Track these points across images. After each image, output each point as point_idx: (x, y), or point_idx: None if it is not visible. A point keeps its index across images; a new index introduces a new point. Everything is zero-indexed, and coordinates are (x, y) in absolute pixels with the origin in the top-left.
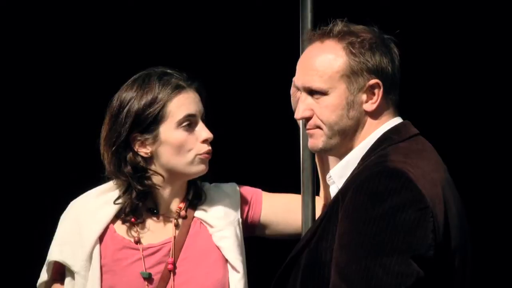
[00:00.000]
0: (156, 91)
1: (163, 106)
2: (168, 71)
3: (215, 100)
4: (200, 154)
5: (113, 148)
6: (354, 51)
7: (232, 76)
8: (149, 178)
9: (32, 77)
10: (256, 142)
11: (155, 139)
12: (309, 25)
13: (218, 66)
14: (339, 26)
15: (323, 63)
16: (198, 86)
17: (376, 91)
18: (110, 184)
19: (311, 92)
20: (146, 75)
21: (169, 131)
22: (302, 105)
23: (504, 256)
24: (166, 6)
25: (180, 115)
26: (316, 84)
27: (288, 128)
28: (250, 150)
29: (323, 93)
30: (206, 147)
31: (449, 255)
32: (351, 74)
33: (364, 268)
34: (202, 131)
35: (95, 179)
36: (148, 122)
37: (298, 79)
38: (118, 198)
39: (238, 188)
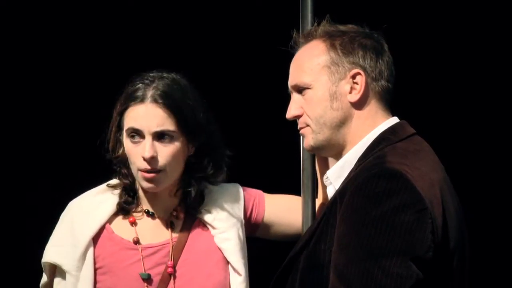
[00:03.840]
0: (124, 96)
1: (122, 112)
2: (149, 79)
3: (215, 99)
4: (140, 170)
5: (111, 146)
6: (335, 43)
7: (233, 76)
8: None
9: (31, 78)
10: (257, 142)
11: (121, 143)
12: (309, 25)
13: (219, 66)
14: (322, 26)
15: (304, 59)
16: (170, 104)
17: (359, 81)
18: (110, 182)
19: (299, 90)
20: (137, 76)
21: (124, 138)
22: (292, 104)
23: (503, 256)
24: (166, 6)
25: (126, 126)
26: (300, 79)
27: (288, 128)
28: (250, 150)
29: (308, 87)
30: (144, 165)
31: (448, 256)
32: (331, 65)
33: (363, 270)
34: (143, 148)
35: (97, 179)
36: (119, 124)
37: (289, 81)
38: (118, 189)
39: (241, 189)
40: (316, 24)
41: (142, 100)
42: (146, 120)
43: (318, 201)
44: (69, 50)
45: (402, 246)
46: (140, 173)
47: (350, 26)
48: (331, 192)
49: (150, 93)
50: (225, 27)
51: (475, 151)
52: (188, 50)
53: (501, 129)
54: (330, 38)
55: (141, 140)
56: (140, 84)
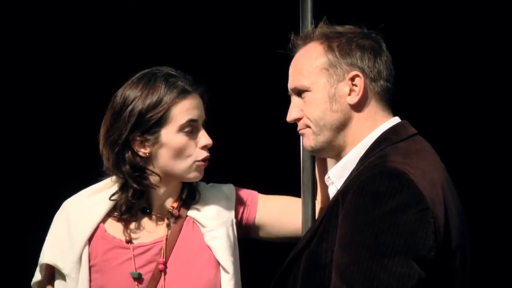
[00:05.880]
0: (162, 93)
1: (167, 109)
2: (174, 73)
3: (216, 100)
4: (198, 161)
5: (113, 146)
6: (332, 45)
7: (233, 76)
8: (146, 177)
9: (28, 77)
10: (257, 142)
11: (156, 140)
12: (309, 25)
13: (219, 66)
14: (319, 27)
15: (303, 61)
16: (202, 91)
17: (357, 83)
18: (104, 182)
19: (299, 92)
20: (152, 74)
21: (170, 135)
22: (293, 108)
23: (503, 256)
24: (166, 6)
25: (183, 120)
26: (299, 82)
27: (288, 129)
28: (251, 150)
29: (307, 90)
30: (205, 154)
31: (450, 256)
32: (329, 67)
33: (365, 269)
34: (202, 137)
35: (91, 178)
36: (150, 123)
37: (288, 84)
38: (114, 195)
39: (234, 189)
40: (313, 25)
41: (188, 92)
42: (198, 110)
43: (317, 202)
44: (66, 54)
45: (405, 245)
46: (197, 164)
47: (347, 26)
48: (332, 192)
49: (189, 84)
50: (225, 28)
51: (476, 151)
52: (187, 51)
53: (502, 129)
54: (328, 40)
55: (193, 131)
56: (173, 79)
